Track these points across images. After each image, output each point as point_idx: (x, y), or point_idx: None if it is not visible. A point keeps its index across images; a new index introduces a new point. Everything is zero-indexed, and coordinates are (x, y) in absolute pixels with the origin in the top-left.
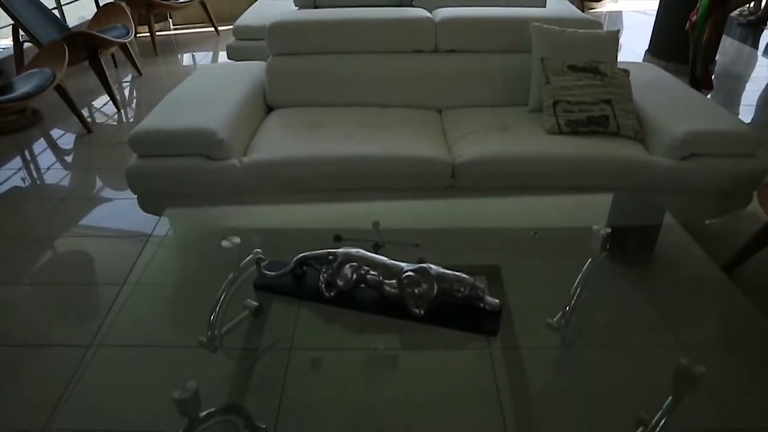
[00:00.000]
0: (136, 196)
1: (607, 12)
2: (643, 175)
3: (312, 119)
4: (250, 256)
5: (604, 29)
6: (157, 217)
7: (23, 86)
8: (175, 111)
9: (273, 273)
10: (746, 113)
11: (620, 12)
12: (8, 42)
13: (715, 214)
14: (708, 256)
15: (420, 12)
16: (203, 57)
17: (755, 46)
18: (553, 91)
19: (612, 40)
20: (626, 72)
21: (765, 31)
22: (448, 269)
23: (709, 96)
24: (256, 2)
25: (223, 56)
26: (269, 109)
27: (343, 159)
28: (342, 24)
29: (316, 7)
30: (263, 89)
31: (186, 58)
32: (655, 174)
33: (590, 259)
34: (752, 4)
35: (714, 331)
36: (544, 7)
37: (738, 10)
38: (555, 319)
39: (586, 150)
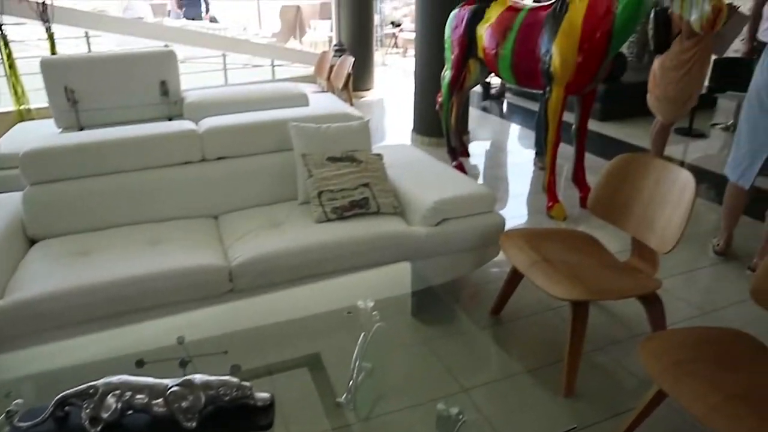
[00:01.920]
0: None
1: (375, 99)
2: (407, 245)
3: (79, 247)
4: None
5: (373, 116)
6: None
7: None
8: None
9: (29, 423)
10: (497, 172)
11: (387, 97)
12: None
13: (474, 267)
14: (467, 308)
15: (185, 125)
16: None
17: (500, 114)
18: (316, 182)
19: (364, 130)
20: (379, 156)
21: (504, 100)
22: (222, 375)
23: (465, 162)
24: (13, 128)
25: None
26: (32, 242)
27: (115, 283)
28: (103, 145)
29: (81, 127)
30: (20, 222)
31: None
32: (416, 242)
33: (363, 333)
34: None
35: (489, 368)
36: (308, 105)
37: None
38: (343, 397)
39: (353, 232)
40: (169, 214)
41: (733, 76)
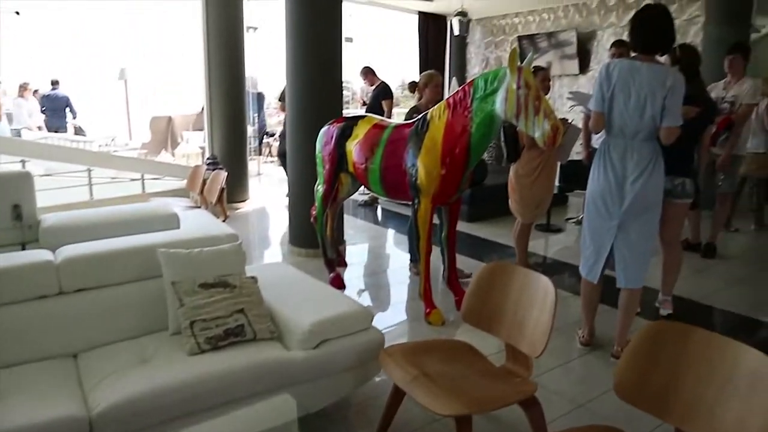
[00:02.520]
0: None
1: (250, 210)
2: (286, 371)
3: None
4: None
5: (248, 229)
6: None
7: None
8: None
9: None
10: (375, 279)
11: (263, 207)
12: None
13: (357, 386)
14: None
15: (39, 254)
16: None
17: (375, 221)
18: (187, 312)
19: (237, 253)
20: (254, 279)
21: (378, 206)
22: None
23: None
24: None
25: None
26: None
27: None
28: None
29: None
30: None
31: None
32: (296, 367)
33: None
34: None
35: None
36: (178, 227)
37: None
38: None
39: (230, 363)
40: (19, 357)
41: (578, 176)
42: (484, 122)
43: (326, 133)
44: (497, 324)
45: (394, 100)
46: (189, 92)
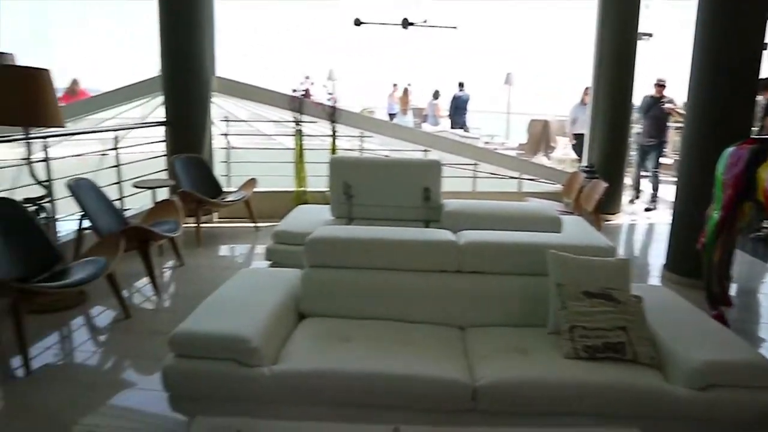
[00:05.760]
0: (167, 393)
1: (621, 225)
2: (661, 404)
3: (340, 331)
4: None
5: (619, 245)
6: (182, 417)
7: (78, 273)
8: (214, 315)
9: None
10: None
11: (628, 225)
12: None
13: None
14: None
15: (445, 234)
16: (242, 249)
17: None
18: (569, 316)
19: (623, 267)
20: (639, 298)
21: None
22: None
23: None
24: (296, 209)
25: (259, 250)
26: (301, 316)
27: (368, 375)
28: (374, 243)
29: (351, 218)
30: (296, 297)
31: (226, 250)
32: (676, 404)
33: None
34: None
35: None
36: (560, 232)
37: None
38: None
39: (604, 377)
40: (419, 317)
41: None
42: None
43: (733, 155)
44: None
45: None
46: (567, 97)
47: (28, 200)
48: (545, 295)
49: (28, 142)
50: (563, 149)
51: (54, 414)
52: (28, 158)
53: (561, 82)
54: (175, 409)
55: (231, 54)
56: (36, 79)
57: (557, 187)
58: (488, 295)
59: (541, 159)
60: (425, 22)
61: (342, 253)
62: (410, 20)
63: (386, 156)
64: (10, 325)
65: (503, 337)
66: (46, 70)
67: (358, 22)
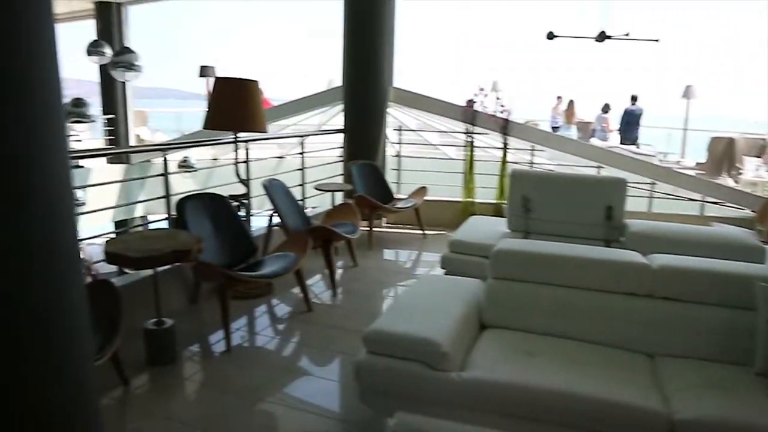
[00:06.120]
0: (358, 386)
1: None
2: None
3: (525, 345)
4: None
5: None
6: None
7: (272, 266)
8: (404, 317)
9: None
10: None
11: None
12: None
13: None
14: None
15: (635, 256)
16: (410, 255)
17: None
18: None
19: None
20: None
21: None
22: None
23: None
24: (469, 219)
25: (426, 257)
26: (482, 327)
27: (555, 393)
28: (561, 259)
29: (528, 232)
30: (478, 307)
31: (395, 254)
32: None
33: None
34: None
35: None
36: (764, 263)
37: None
38: None
39: None
40: (601, 338)
41: None
42: None
43: None
44: None
45: None
46: (759, 113)
47: (232, 197)
48: (749, 330)
49: (236, 145)
50: (755, 170)
51: (247, 389)
52: (236, 159)
53: (751, 96)
54: (365, 402)
55: (405, 63)
56: (249, 89)
57: (746, 212)
58: (683, 324)
59: (726, 181)
60: (627, 35)
61: (527, 267)
62: (607, 33)
63: (564, 172)
64: (210, 307)
65: (702, 371)
66: (255, 81)
67: (551, 36)
